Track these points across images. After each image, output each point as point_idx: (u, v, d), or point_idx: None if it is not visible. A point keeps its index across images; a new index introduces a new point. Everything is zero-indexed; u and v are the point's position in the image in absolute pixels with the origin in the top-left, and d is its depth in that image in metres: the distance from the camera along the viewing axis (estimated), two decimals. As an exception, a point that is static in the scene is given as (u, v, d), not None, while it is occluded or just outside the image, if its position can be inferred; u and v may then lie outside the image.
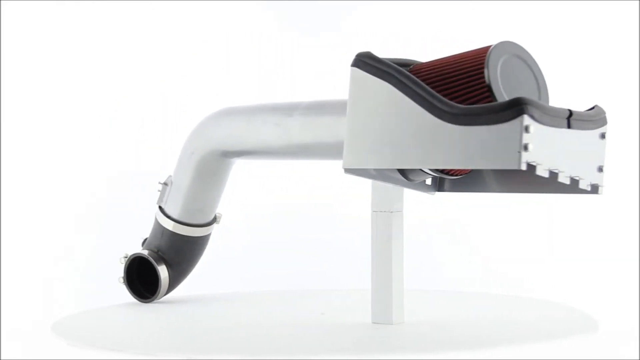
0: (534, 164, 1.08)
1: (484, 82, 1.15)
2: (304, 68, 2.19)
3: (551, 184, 1.22)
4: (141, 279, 1.52)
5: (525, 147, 1.06)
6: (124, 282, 1.52)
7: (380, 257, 1.30)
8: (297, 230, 2.06)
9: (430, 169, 1.23)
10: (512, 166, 1.06)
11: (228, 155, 1.47)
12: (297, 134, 1.36)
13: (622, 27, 2.09)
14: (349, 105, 1.17)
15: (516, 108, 1.06)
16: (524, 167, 1.06)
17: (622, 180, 1.99)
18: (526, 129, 1.06)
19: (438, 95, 1.12)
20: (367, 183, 1.92)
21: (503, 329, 1.29)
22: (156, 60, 2.14)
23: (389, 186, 1.28)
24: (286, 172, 2.06)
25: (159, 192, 1.53)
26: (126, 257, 1.52)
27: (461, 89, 1.18)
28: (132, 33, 2.14)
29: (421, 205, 1.68)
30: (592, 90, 2.05)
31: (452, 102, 1.12)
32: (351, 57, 1.19)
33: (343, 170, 1.17)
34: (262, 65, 2.19)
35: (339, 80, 2.13)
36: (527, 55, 1.24)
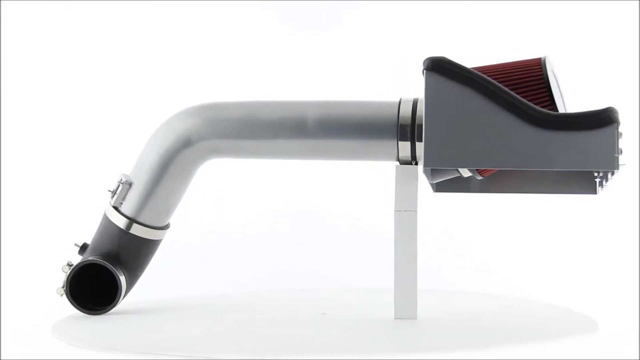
0: (622, 165, 1.22)
1: (546, 93, 1.27)
2: (287, 66, 2.19)
3: (530, 184, 1.40)
4: (81, 289, 1.39)
5: (621, 151, 1.21)
6: (65, 293, 1.37)
7: (404, 254, 1.35)
8: (294, 230, 2.07)
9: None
10: (611, 167, 1.21)
11: (220, 153, 1.40)
12: (312, 133, 1.36)
13: (621, 27, 2.09)
14: (425, 108, 1.22)
15: (610, 116, 1.21)
16: (619, 169, 1.21)
17: (621, 181, 1.99)
18: (620, 134, 1.21)
19: (526, 101, 1.22)
20: (367, 184, 1.92)
21: (503, 329, 1.29)
22: (134, 59, 2.14)
23: (413, 186, 1.34)
24: (286, 173, 2.06)
25: (112, 192, 1.41)
26: (70, 266, 1.38)
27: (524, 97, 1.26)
28: (114, 35, 2.14)
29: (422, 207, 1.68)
30: (590, 90, 2.05)
31: (542, 109, 1.21)
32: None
33: (423, 168, 1.24)
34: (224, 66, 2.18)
35: (331, 80, 2.14)
36: (554, 68, 1.34)
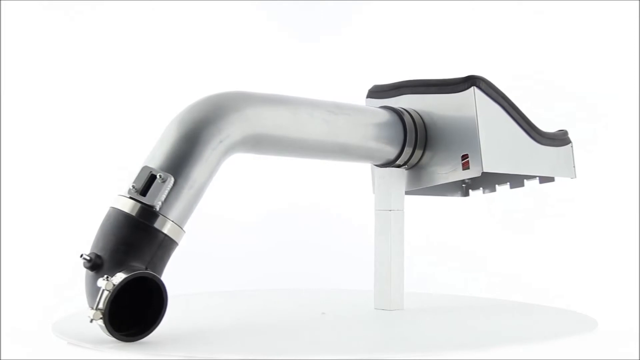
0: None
1: None
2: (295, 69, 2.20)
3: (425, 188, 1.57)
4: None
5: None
6: (103, 318, 1.09)
7: (397, 251, 1.46)
8: (294, 230, 2.07)
9: None
10: (571, 176, 1.51)
11: (258, 147, 1.30)
12: (343, 133, 1.38)
13: (620, 28, 2.10)
14: (478, 119, 1.38)
15: (568, 137, 1.52)
16: (576, 177, 1.51)
17: (620, 182, 2.00)
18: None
19: (530, 121, 1.44)
20: (365, 186, 1.93)
21: (503, 330, 1.30)
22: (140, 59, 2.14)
23: (403, 188, 1.47)
24: (286, 174, 2.06)
25: (139, 189, 1.16)
26: (107, 281, 1.08)
27: None
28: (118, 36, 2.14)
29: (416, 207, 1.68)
30: (589, 91, 2.05)
31: (538, 128, 1.45)
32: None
33: (481, 172, 1.37)
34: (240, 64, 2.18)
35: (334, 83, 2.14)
36: None
